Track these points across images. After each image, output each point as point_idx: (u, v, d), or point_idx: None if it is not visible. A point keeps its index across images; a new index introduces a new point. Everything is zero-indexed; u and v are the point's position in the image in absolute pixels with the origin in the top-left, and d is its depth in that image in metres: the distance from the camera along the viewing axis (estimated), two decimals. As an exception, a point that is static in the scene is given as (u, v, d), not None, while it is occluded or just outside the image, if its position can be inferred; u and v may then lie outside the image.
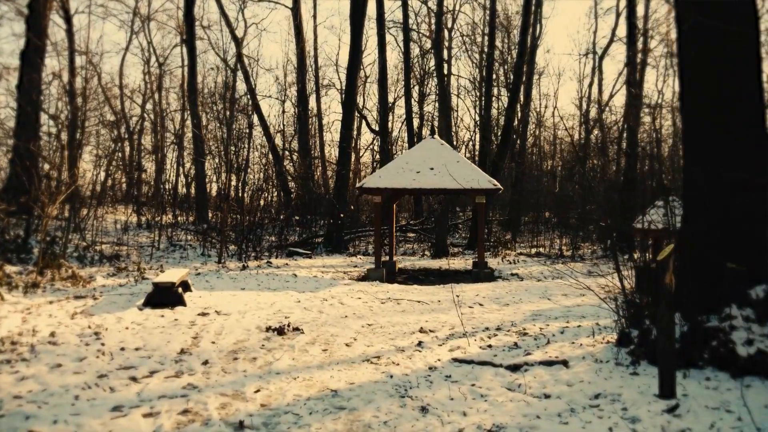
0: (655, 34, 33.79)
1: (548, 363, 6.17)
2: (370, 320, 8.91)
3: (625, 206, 19.61)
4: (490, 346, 7.24)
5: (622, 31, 44.42)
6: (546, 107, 47.54)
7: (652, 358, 5.86)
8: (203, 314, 8.95)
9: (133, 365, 6.12)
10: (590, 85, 36.11)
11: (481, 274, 14.88)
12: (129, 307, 9.27)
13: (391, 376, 5.92)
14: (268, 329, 7.94)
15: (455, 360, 6.52)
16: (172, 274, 10.20)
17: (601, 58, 34.94)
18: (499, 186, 15.24)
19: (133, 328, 7.77)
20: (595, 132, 34.50)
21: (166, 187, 32.45)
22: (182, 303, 9.54)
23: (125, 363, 6.20)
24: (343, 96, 24.88)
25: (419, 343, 7.37)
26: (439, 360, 6.58)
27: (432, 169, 15.63)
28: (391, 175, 15.56)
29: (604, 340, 7.10)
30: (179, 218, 25.47)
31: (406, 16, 29.01)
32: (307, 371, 6.10)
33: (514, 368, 6.11)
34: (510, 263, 18.31)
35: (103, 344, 6.87)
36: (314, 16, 36.24)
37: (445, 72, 31.40)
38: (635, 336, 6.28)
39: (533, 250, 21.93)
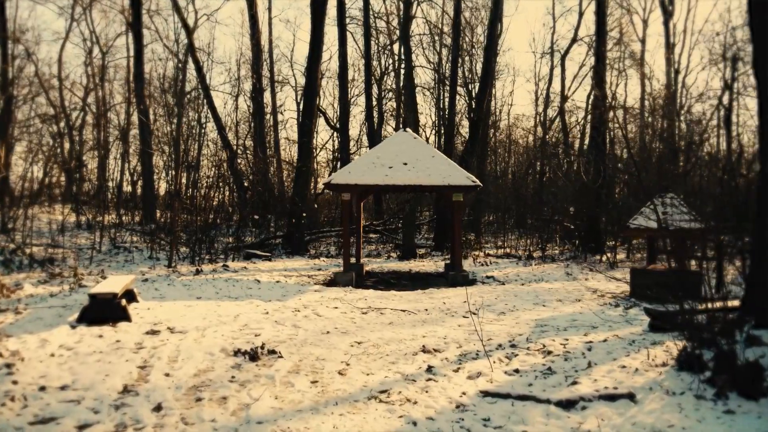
0: (617, 33, 33.52)
1: (609, 397, 4.79)
2: (358, 337, 7.41)
3: (594, 206, 18.92)
4: (516, 370, 5.83)
5: (582, 31, 44.46)
6: (504, 105, 46.98)
7: (744, 389, 4.59)
8: (153, 332, 7.29)
9: (55, 416, 4.40)
10: (548, 86, 35.55)
11: (458, 277, 13.66)
12: (59, 324, 7.52)
13: (415, 423, 4.40)
14: (236, 353, 6.33)
15: (485, 393, 5.06)
16: (114, 283, 8.49)
17: (564, 55, 34.40)
18: (478, 183, 14.03)
19: (61, 355, 6.03)
20: (551, 132, 33.95)
21: (110, 184, 30.11)
22: (126, 318, 7.86)
23: (44, 412, 4.48)
24: (303, 88, 23.35)
25: (429, 369, 5.89)
26: (464, 393, 5.11)
27: (405, 164, 14.30)
28: (361, 171, 14.12)
29: (658, 363, 5.79)
30: (124, 218, 23.56)
31: (366, 9, 27.59)
32: (298, 417, 4.51)
33: (567, 405, 4.70)
34: (482, 265, 17.21)
35: (15, 382, 5.10)
36: (269, 9, 34.63)
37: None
38: (708, 359, 5.01)
39: (500, 251, 20.94)
